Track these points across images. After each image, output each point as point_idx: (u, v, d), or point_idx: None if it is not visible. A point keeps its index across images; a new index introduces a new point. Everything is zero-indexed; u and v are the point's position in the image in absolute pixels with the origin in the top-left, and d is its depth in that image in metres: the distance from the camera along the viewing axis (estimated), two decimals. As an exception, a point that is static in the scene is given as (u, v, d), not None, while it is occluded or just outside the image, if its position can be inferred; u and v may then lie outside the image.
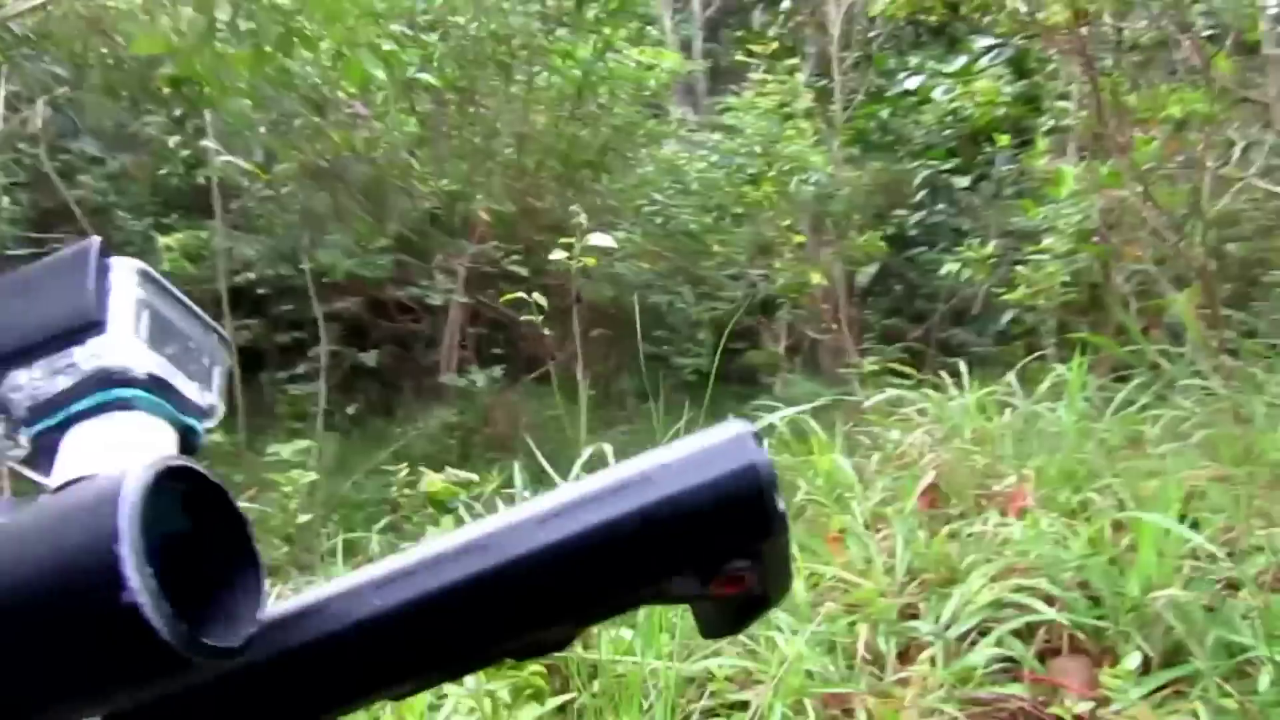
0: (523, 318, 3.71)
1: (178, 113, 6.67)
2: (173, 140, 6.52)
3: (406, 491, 3.90)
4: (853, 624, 2.27)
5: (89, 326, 0.44)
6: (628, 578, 0.41)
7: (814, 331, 8.22)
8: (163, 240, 6.82)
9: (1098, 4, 4.48)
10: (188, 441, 0.49)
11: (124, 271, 0.46)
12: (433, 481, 3.15)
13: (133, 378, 0.45)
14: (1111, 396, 3.66)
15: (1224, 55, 4.27)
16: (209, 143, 6.42)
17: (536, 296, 3.47)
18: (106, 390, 0.45)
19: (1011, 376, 3.83)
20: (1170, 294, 4.61)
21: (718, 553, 0.40)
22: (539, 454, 3.28)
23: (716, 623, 0.46)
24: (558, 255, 3.57)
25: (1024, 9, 4.33)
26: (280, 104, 6.52)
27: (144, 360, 0.46)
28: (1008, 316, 6.11)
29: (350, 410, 7.74)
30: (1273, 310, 5.19)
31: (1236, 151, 4.83)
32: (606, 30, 7.27)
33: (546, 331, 3.92)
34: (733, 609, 0.44)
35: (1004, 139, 6.58)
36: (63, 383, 0.45)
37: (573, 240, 3.50)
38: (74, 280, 0.45)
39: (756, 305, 9.01)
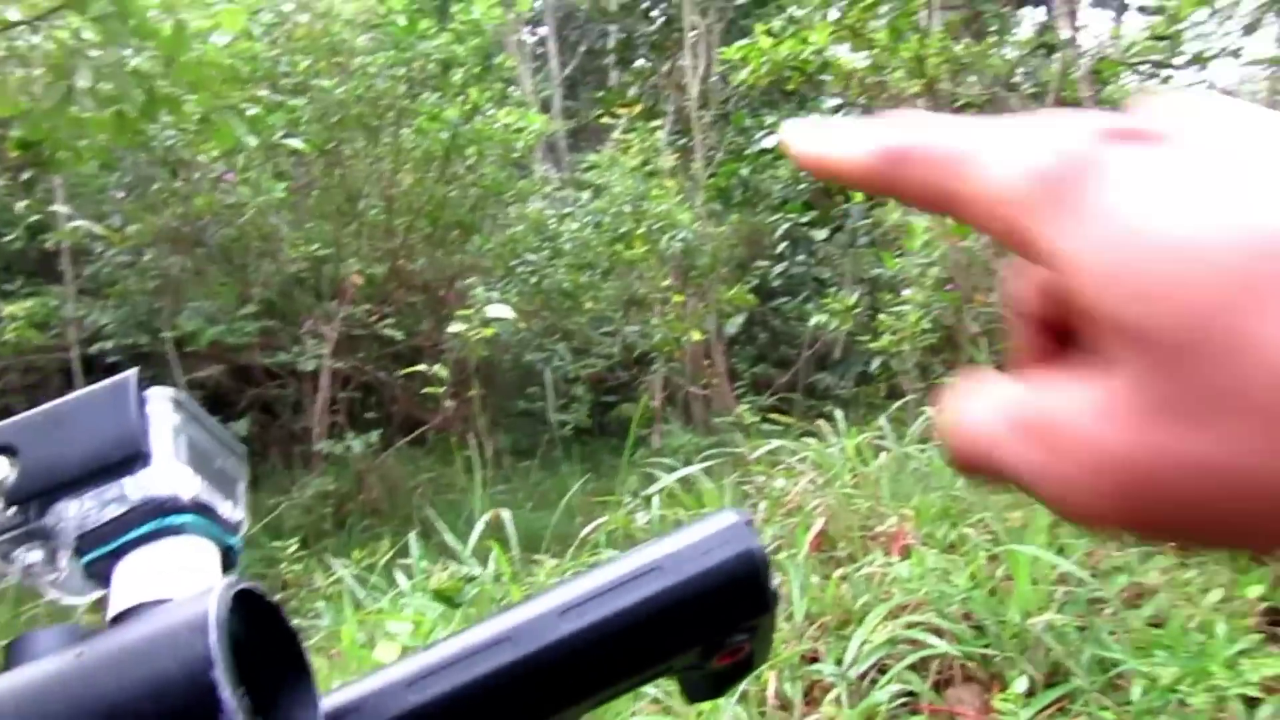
0: (428, 390, 3.67)
1: (25, 175, 6.36)
2: (20, 205, 6.21)
3: (294, 568, 3.78)
4: (759, 672, 2.36)
5: (135, 458, 0.48)
6: (643, 660, 0.45)
7: (688, 383, 8.40)
8: (8, 309, 6.46)
9: (937, 70, 4.85)
10: (228, 558, 0.53)
11: (160, 400, 0.50)
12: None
13: (181, 504, 0.49)
14: (973, 434, 3.91)
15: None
16: (59, 207, 6.14)
17: (438, 368, 3.44)
18: (159, 519, 0.49)
19: (883, 420, 4.04)
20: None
21: (722, 630, 0.45)
22: (437, 521, 3.24)
23: (705, 688, 0.51)
24: (457, 328, 3.55)
25: (871, 79, 4.65)
26: (137, 167, 6.31)
27: (189, 486, 0.50)
28: (875, 363, 6.44)
29: (217, 482, 7.42)
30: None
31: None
32: (472, 93, 7.36)
33: (449, 400, 3.86)
34: (723, 675, 0.49)
35: (857, 194, 6.97)
36: (113, 511, 0.48)
37: (470, 311, 3.49)
38: (116, 413, 0.48)
39: (631, 359, 9.16)
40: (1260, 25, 4.40)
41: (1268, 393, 0.19)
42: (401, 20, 7.12)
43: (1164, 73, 4.93)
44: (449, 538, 3.15)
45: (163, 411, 0.50)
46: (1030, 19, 9.03)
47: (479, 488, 3.92)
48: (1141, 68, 5.22)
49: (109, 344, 6.92)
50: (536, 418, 10.04)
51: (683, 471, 3.51)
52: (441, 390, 3.50)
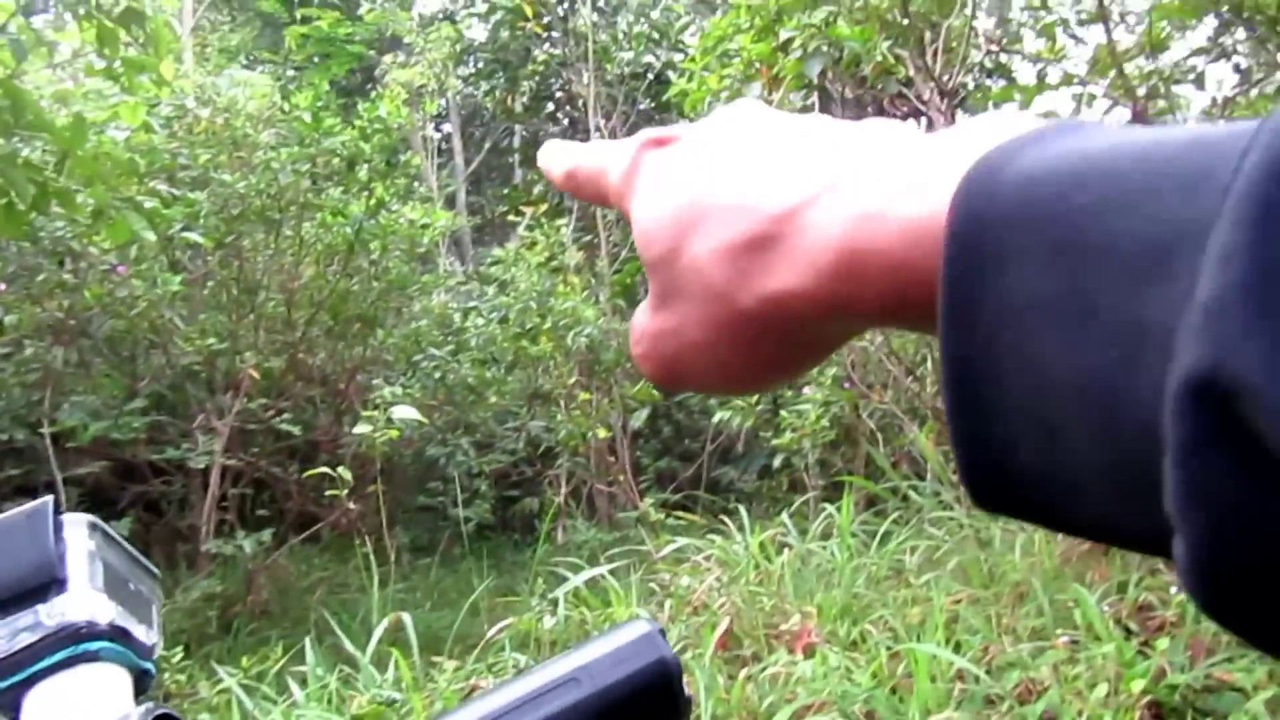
0: (330, 493, 3.58)
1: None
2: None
3: (178, 678, 3.59)
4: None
5: (51, 584, 0.48)
6: None
7: (593, 478, 8.38)
8: None
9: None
10: (141, 683, 0.53)
11: (76, 526, 0.50)
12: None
13: (97, 630, 0.49)
14: (872, 529, 4.00)
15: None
16: (-67, 301, 5.88)
17: (341, 470, 3.37)
18: (74, 645, 0.48)
19: (785, 517, 4.10)
20: (910, 430, 5.14)
21: None
22: (334, 624, 3.13)
23: None
24: (362, 429, 3.50)
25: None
26: (21, 257, 6.10)
27: (105, 611, 0.50)
28: (777, 460, 6.56)
29: (94, 587, 7.01)
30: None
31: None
32: (377, 188, 7.39)
33: (351, 504, 3.77)
34: None
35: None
36: (26, 639, 0.48)
37: (375, 412, 3.44)
38: (32, 540, 0.48)
39: (535, 454, 9.11)
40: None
41: (689, 283, 0.33)
42: (306, 116, 7.15)
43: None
44: (346, 643, 3.05)
45: (78, 537, 0.50)
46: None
47: (377, 589, 3.81)
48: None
49: (-18, 440, 6.57)
50: (437, 513, 9.84)
51: (589, 573, 3.49)
52: (344, 492, 3.41)
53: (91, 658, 0.49)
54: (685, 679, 0.50)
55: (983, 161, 0.26)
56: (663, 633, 0.50)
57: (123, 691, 0.50)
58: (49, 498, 0.53)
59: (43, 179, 4.12)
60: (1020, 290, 0.24)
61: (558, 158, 0.42)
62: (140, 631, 0.53)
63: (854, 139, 0.32)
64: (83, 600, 0.49)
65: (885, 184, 0.29)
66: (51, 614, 0.48)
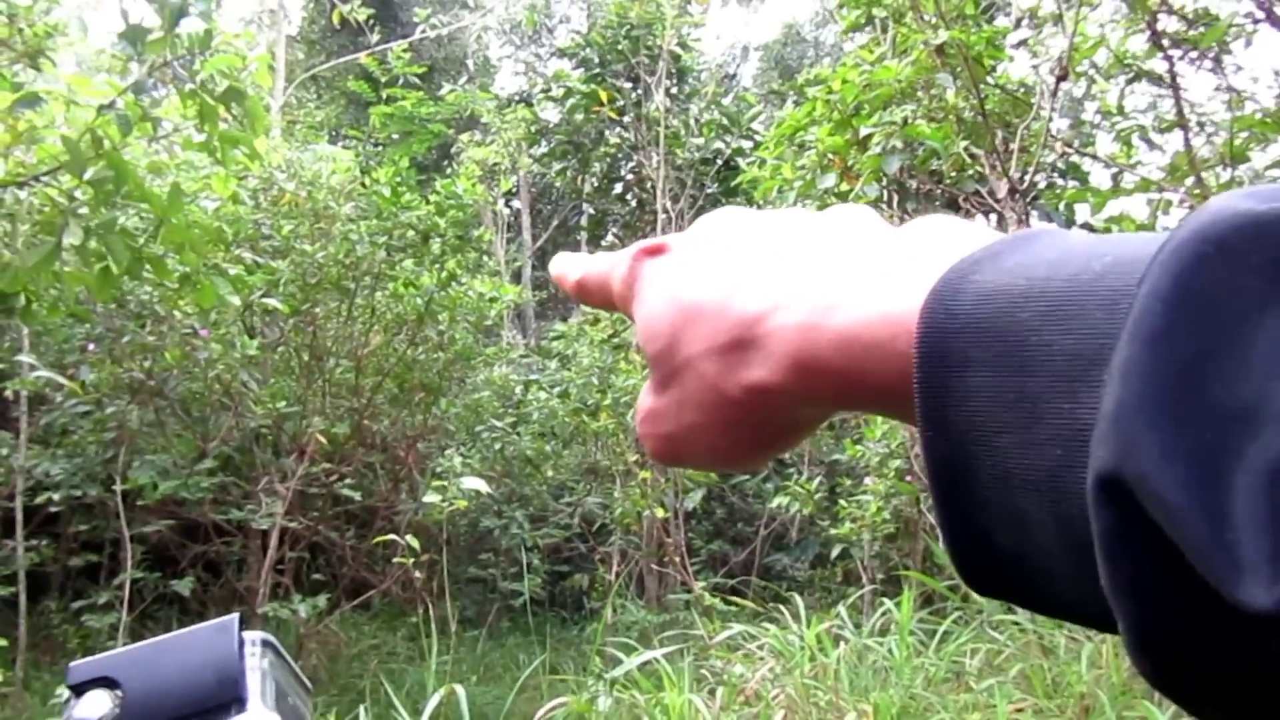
0: (396, 561, 3.62)
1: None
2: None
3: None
4: None
5: (233, 703, 0.51)
6: None
7: (644, 557, 8.33)
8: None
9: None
10: None
11: (255, 645, 0.54)
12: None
13: None
14: (931, 628, 3.91)
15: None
16: (25, 357, 6.13)
17: (410, 538, 3.41)
18: None
19: (842, 609, 4.03)
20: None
21: None
22: (389, 692, 3.14)
23: None
24: (432, 498, 3.55)
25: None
26: (107, 319, 6.35)
27: None
28: (836, 550, 6.47)
29: (152, 643, 7.09)
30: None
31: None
32: (449, 262, 7.58)
33: (417, 574, 3.80)
34: None
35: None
36: None
37: (443, 482, 3.50)
38: (219, 657, 0.51)
39: (589, 530, 9.09)
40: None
41: (685, 375, 0.37)
42: (385, 191, 7.40)
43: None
44: (403, 714, 3.05)
45: (255, 655, 0.54)
46: (986, 227, 9.56)
47: (432, 660, 3.82)
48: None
49: (55, 495, 6.75)
50: (487, 585, 9.82)
51: (645, 656, 3.46)
52: (411, 561, 3.45)
53: None
54: None
55: (944, 281, 0.30)
56: None
57: None
58: (235, 615, 0.56)
59: (137, 245, 4.31)
60: (979, 396, 0.28)
61: (569, 268, 0.47)
62: None
63: (818, 244, 0.37)
64: None
65: (829, 295, 0.34)
66: None
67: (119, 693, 0.50)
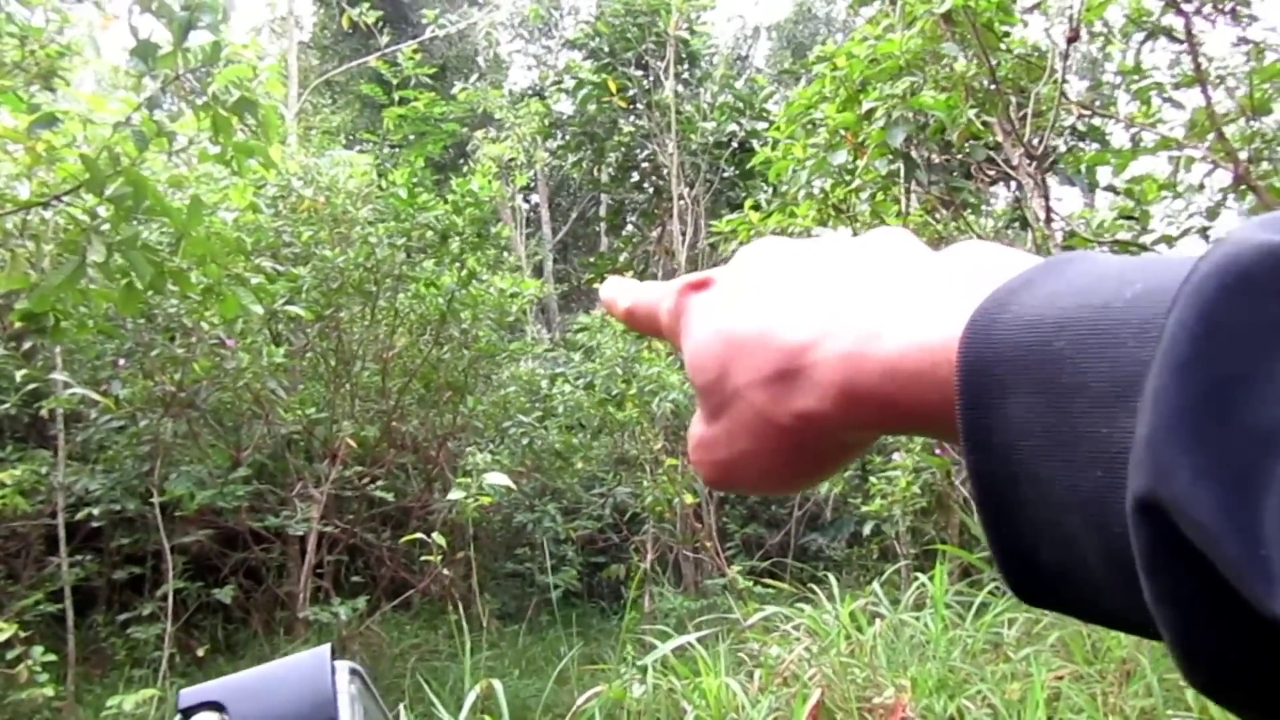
0: (423, 557, 3.65)
1: (26, 345, 6.47)
2: (18, 373, 6.29)
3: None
4: None
5: None
6: None
7: (679, 544, 8.34)
8: (-4, 476, 6.42)
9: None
10: None
11: (344, 673, 0.56)
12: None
13: None
14: (967, 600, 3.89)
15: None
16: (57, 375, 6.22)
17: (436, 535, 3.44)
18: None
19: (876, 586, 4.02)
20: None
21: None
22: (428, 690, 3.17)
23: None
24: (456, 495, 3.57)
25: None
26: (136, 333, 6.44)
27: None
28: (867, 527, 6.44)
29: (199, 652, 7.22)
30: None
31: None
32: (469, 260, 7.61)
33: (445, 570, 3.83)
34: None
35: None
36: None
37: (468, 479, 3.52)
38: (314, 685, 0.54)
39: (622, 520, 9.11)
40: (1222, 209, 4.65)
41: (735, 405, 0.39)
42: (402, 192, 7.44)
43: (1134, 249, 5.16)
44: (440, 710, 3.08)
45: (345, 681, 0.57)
46: (1004, 194, 9.46)
47: (468, 656, 3.85)
48: (1113, 245, 5.45)
49: (95, 510, 6.87)
50: (525, 579, 9.88)
51: (677, 641, 3.47)
52: (439, 559, 3.47)
53: None
54: None
55: (981, 310, 0.31)
56: None
57: None
58: (328, 645, 0.59)
59: (159, 259, 4.37)
60: (1019, 421, 0.29)
61: (618, 294, 0.49)
62: None
63: (858, 272, 0.38)
64: None
65: (871, 324, 0.35)
66: None
67: (225, 716, 0.53)
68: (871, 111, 3.80)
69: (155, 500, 6.66)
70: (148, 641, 6.84)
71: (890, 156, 3.99)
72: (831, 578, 4.23)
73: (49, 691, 5.51)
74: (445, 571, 3.91)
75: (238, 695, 0.54)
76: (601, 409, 7.81)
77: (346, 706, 0.56)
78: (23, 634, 5.29)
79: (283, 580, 8.10)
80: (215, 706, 0.53)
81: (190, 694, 0.54)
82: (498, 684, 3.13)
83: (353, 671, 0.58)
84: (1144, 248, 4.66)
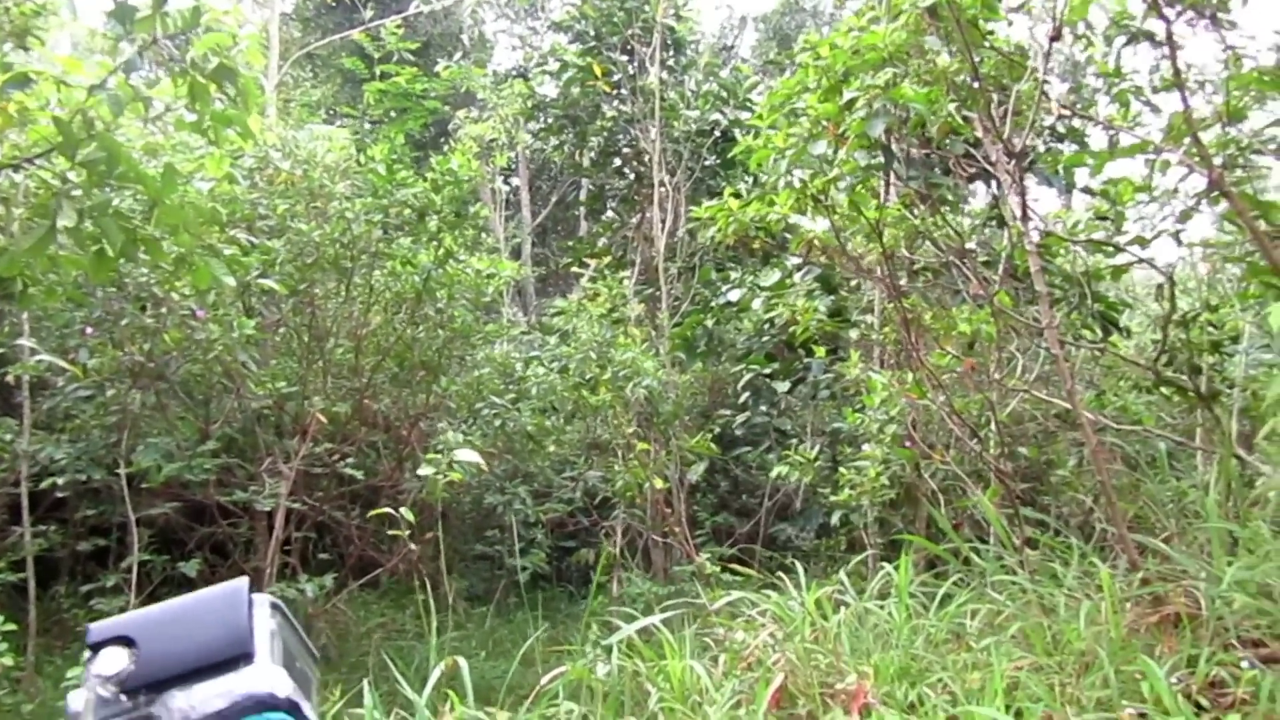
0: (391, 532, 3.64)
1: (-8, 310, 6.38)
2: (-15, 338, 6.21)
3: None
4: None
5: (242, 658, 0.53)
6: None
7: (649, 530, 8.36)
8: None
9: (894, 238, 5.10)
10: None
11: (262, 606, 0.56)
12: None
13: (276, 702, 0.54)
14: (932, 591, 3.92)
15: (1003, 291, 4.89)
16: (24, 340, 6.14)
17: (404, 510, 3.42)
18: (257, 715, 0.53)
19: (842, 575, 4.05)
20: (973, 492, 5.06)
21: None
22: (392, 668, 3.16)
23: None
24: (425, 470, 3.56)
25: (832, 244, 4.87)
26: (107, 302, 6.36)
27: (284, 686, 0.55)
28: (835, 516, 6.48)
29: (160, 624, 7.15)
30: (1061, 506, 5.74)
31: (1018, 365, 5.46)
32: (446, 239, 7.56)
33: (412, 545, 3.82)
34: None
35: (820, 350, 7.16)
36: (217, 705, 0.53)
37: (436, 454, 3.51)
38: (229, 617, 0.54)
39: (592, 504, 9.12)
40: (1196, 212, 4.69)
41: None
42: (381, 168, 7.38)
43: (1108, 249, 5.21)
44: (405, 687, 3.07)
45: (263, 616, 0.56)
46: (983, 192, 9.52)
47: (434, 635, 3.84)
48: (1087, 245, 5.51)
49: (60, 479, 6.79)
50: (494, 561, 9.88)
51: (643, 622, 3.48)
52: (405, 533, 3.46)
53: None
54: None
55: None
56: None
57: None
58: (245, 579, 0.59)
59: (131, 227, 4.31)
60: None
61: None
62: (306, 707, 0.58)
63: None
64: (267, 675, 0.55)
65: None
66: (240, 684, 0.54)
67: (134, 650, 0.53)
68: (852, 102, 3.81)
69: (122, 471, 6.60)
70: (110, 613, 6.77)
71: (870, 148, 4.00)
72: (799, 566, 4.25)
73: (8, 661, 5.45)
74: (413, 547, 3.89)
75: (148, 630, 0.53)
76: (575, 393, 7.81)
77: (265, 639, 0.55)
78: (-18, 602, 5.22)
79: (249, 556, 8.05)
80: (125, 641, 0.53)
81: (99, 629, 0.54)
82: (463, 661, 3.13)
83: (273, 606, 0.57)
84: (1118, 248, 4.71)
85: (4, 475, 6.91)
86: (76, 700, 0.52)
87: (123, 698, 0.52)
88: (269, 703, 0.53)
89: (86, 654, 0.52)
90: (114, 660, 0.52)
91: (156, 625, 0.53)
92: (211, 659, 0.53)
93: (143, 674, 0.52)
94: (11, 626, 5.60)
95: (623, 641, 3.61)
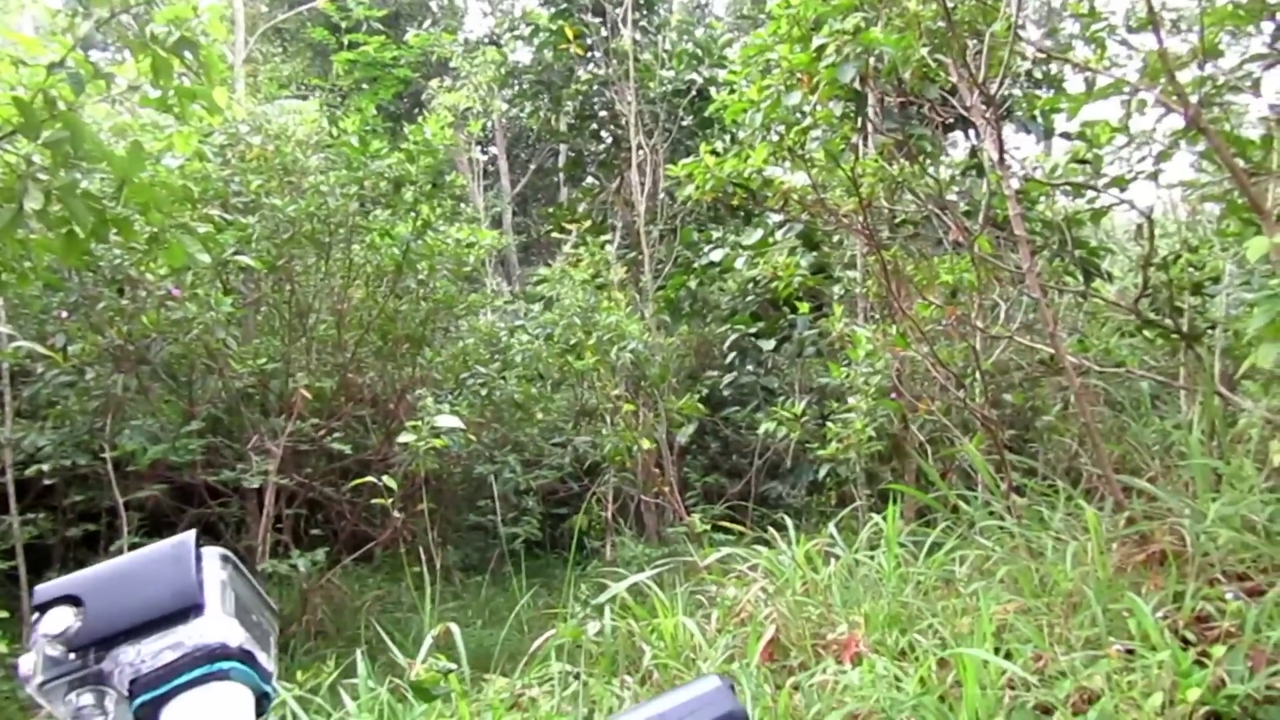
0: (376, 501, 3.63)
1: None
2: (-40, 327, 6.13)
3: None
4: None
5: (191, 609, 0.52)
6: None
7: (640, 493, 8.38)
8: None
9: (873, 190, 5.07)
10: (260, 705, 0.56)
11: (212, 559, 0.55)
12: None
13: (229, 651, 0.53)
14: (921, 540, 3.95)
15: (984, 238, 4.87)
16: (1, 327, 6.08)
17: (387, 478, 3.41)
18: (209, 664, 0.52)
19: (832, 528, 4.07)
20: (960, 441, 5.08)
21: None
22: (385, 638, 3.17)
23: None
24: (407, 438, 3.54)
25: (810, 197, 4.83)
26: (83, 286, 6.29)
27: (236, 636, 0.54)
28: (823, 470, 6.50)
29: (155, 606, 7.15)
30: (1047, 452, 5.77)
31: (1001, 313, 5.46)
32: (424, 209, 7.50)
33: (397, 513, 3.82)
34: None
35: (804, 306, 7.15)
36: (167, 657, 0.52)
37: (418, 422, 3.49)
38: (177, 569, 0.53)
39: (582, 470, 9.12)
40: (1174, 152, 4.67)
41: None
42: (354, 140, 7.29)
43: (1087, 194, 5.19)
44: (399, 656, 3.08)
45: (214, 568, 0.55)
46: (962, 142, 9.48)
47: (429, 605, 3.85)
48: (1066, 189, 5.50)
49: (45, 466, 6.75)
50: (487, 531, 9.89)
51: (633, 579, 3.50)
52: (391, 501, 3.45)
53: (222, 676, 0.54)
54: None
55: None
56: (732, 687, 0.53)
57: (248, 709, 0.55)
58: (192, 532, 0.58)
59: (101, 208, 4.24)
60: None
61: None
62: (263, 658, 0.57)
63: None
64: (218, 625, 0.54)
65: None
66: (191, 635, 0.53)
67: (81, 608, 0.52)
68: (823, 49, 3.76)
69: (107, 456, 6.56)
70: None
71: (844, 98, 3.96)
72: (789, 521, 4.27)
73: (2, 648, 5.44)
74: (399, 516, 3.88)
75: (94, 587, 0.52)
76: (561, 359, 7.79)
77: (215, 590, 0.54)
78: (-27, 591, 5.20)
79: (241, 535, 8.04)
80: (72, 600, 0.52)
81: (45, 589, 0.53)
82: (455, 628, 3.14)
83: (224, 557, 0.56)
84: (1098, 191, 4.69)
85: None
86: (26, 664, 0.51)
87: (71, 656, 0.50)
88: (220, 652, 0.52)
89: (34, 615, 0.51)
90: (60, 619, 0.50)
91: (103, 582, 0.52)
92: (160, 612, 0.52)
93: (90, 631, 0.51)
94: (4, 614, 5.59)
95: (616, 601, 3.63)
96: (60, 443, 6.89)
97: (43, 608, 0.52)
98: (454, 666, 2.76)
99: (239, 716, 0.53)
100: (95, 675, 0.52)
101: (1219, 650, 2.53)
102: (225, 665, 0.53)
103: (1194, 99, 4.30)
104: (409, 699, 3.02)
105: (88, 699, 0.52)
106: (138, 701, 0.51)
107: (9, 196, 4.13)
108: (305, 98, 10.09)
